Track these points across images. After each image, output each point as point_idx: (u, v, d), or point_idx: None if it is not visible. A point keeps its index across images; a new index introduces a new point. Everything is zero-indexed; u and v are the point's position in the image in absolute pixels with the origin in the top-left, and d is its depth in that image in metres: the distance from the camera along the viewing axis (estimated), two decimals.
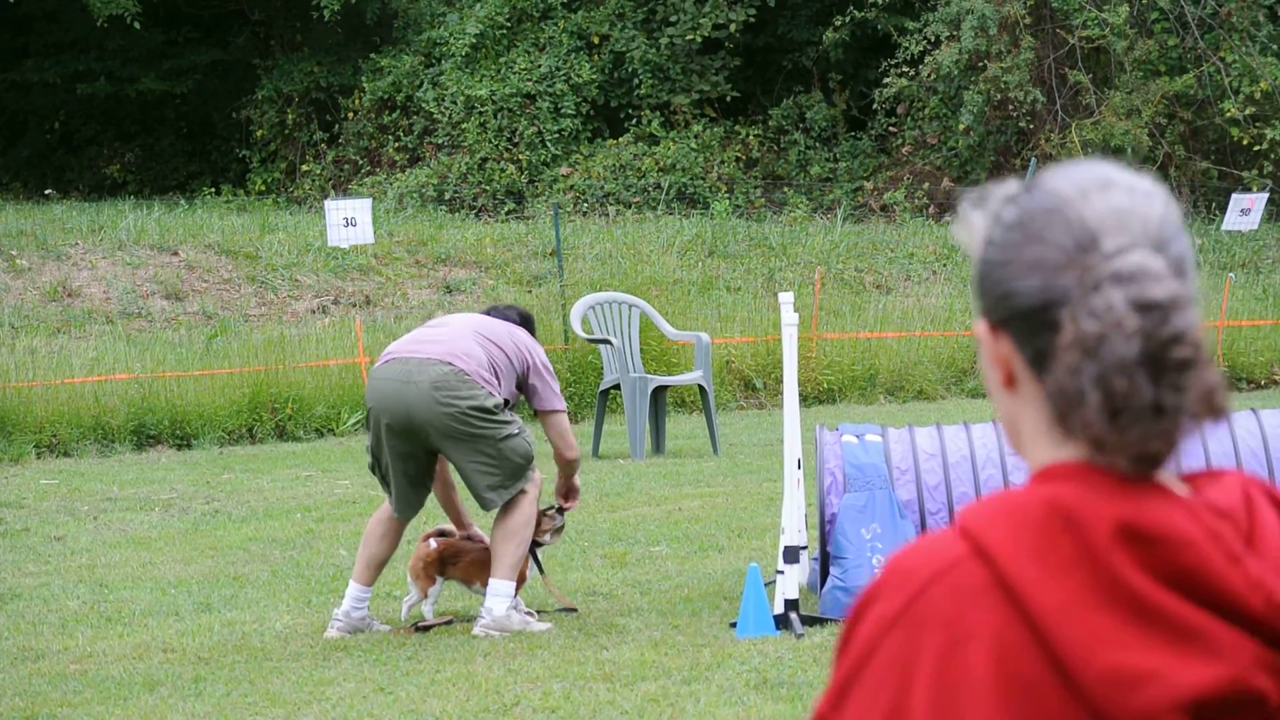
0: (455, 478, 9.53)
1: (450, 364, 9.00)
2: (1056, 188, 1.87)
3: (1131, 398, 1.78)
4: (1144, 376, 1.77)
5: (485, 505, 9.15)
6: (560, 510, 9.66)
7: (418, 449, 9.11)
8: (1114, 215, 1.83)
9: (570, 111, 29.92)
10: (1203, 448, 9.40)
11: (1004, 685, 1.77)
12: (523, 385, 9.33)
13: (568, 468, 9.50)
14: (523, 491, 9.10)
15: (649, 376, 15.94)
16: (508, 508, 9.10)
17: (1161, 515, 1.78)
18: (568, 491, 9.64)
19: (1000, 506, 1.83)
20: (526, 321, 9.66)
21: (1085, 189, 1.86)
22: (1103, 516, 1.79)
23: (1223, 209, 24.55)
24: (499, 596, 8.98)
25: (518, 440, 9.07)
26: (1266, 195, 24.25)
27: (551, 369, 9.47)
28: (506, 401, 9.15)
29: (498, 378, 9.15)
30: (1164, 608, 1.76)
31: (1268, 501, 1.86)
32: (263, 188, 31.32)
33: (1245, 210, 22.80)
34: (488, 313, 9.59)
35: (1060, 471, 1.83)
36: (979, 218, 1.94)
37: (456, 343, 9.14)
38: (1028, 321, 1.84)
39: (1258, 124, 28.38)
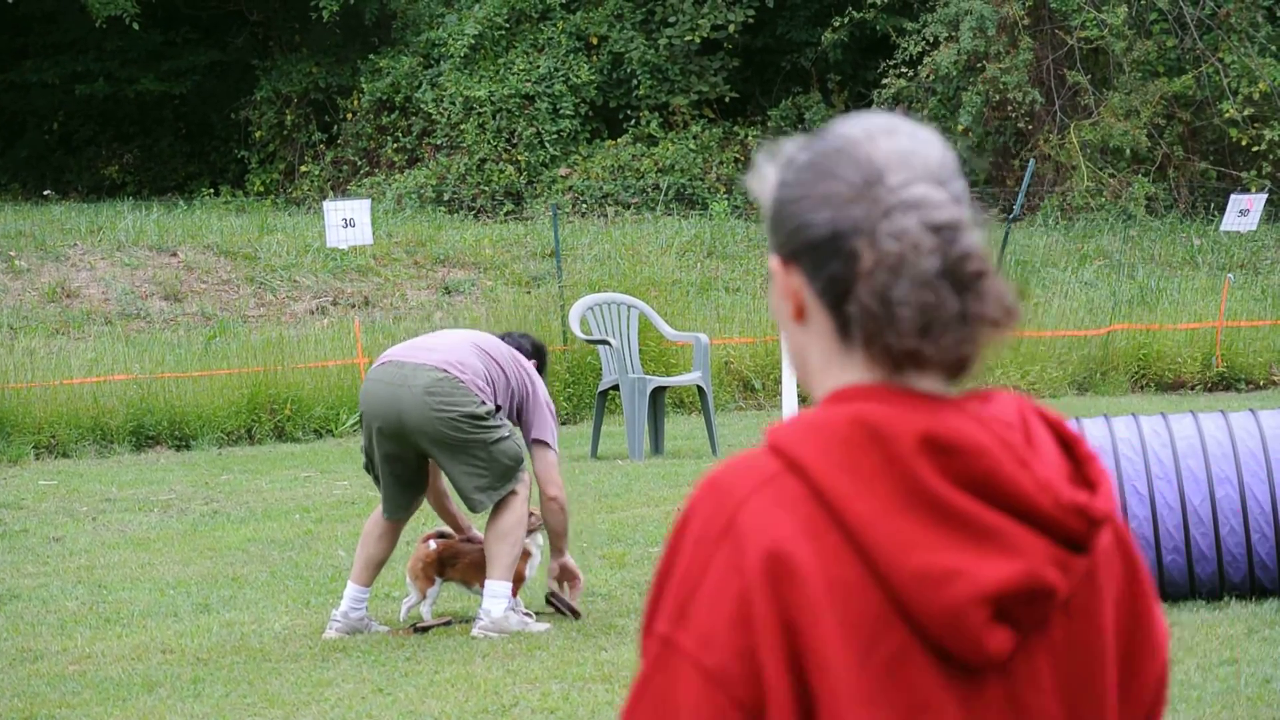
0: (446, 483, 9.53)
1: (445, 371, 8.98)
2: (845, 131, 2.02)
3: (940, 309, 1.93)
4: (947, 289, 1.93)
5: (474, 507, 9.14)
6: (552, 598, 9.39)
7: (408, 452, 9.10)
8: (898, 155, 1.98)
9: (569, 112, 29.91)
10: (1202, 449, 9.40)
11: (828, 586, 1.90)
12: (519, 412, 9.31)
13: (549, 511, 9.34)
14: (513, 493, 9.09)
15: (648, 377, 15.94)
16: (499, 509, 9.08)
17: (958, 426, 1.93)
18: (561, 572, 9.42)
19: (807, 425, 1.96)
20: (539, 352, 9.63)
21: (872, 133, 2.01)
22: (906, 429, 1.92)
23: (1221, 210, 24.55)
24: (496, 598, 8.98)
25: (508, 443, 9.05)
26: (1265, 196, 24.24)
27: (552, 406, 9.40)
28: (498, 407, 9.14)
29: (494, 391, 9.14)
30: (965, 511, 1.90)
31: (1038, 417, 2.02)
32: (261, 189, 31.32)
33: (1244, 211, 22.80)
34: (502, 337, 9.58)
35: (859, 392, 1.96)
36: (771, 168, 2.06)
37: (454, 352, 9.12)
38: (819, 252, 1.97)
39: (1256, 125, 28.37)
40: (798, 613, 1.91)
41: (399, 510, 9.23)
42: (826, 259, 1.97)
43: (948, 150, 2.03)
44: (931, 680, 1.92)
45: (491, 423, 8.99)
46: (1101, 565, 2.00)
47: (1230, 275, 22.65)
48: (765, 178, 2.07)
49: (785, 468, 1.95)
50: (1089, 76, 28.71)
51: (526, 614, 9.13)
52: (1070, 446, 2.01)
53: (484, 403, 8.98)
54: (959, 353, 1.95)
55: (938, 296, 1.93)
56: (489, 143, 29.52)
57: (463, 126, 29.58)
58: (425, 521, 10.80)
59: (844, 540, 1.91)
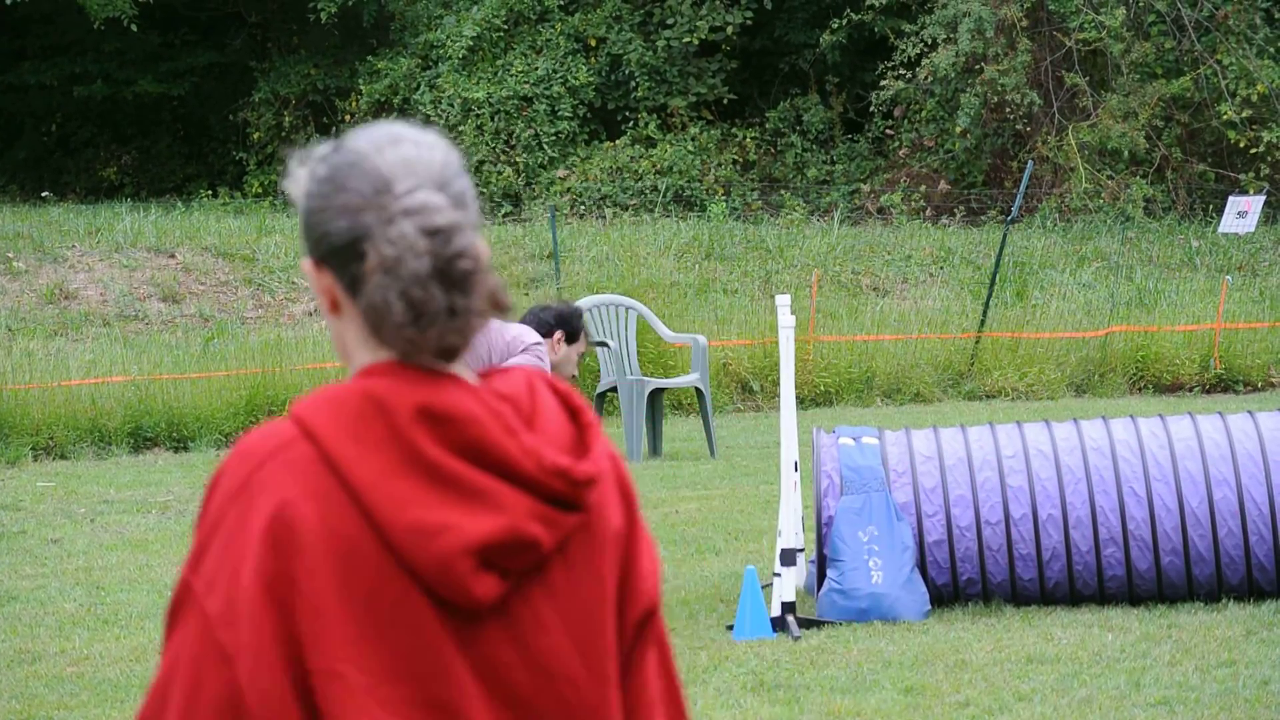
0: None
1: None
2: (356, 145, 2.29)
3: (428, 304, 2.18)
4: (436, 286, 2.18)
5: None
6: None
7: None
8: (403, 164, 2.24)
9: (567, 114, 29.92)
10: (1200, 451, 9.40)
11: (330, 538, 2.15)
12: None
13: None
14: None
15: (646, 379, 15.94)
16: None
17: (452, 399, 2.19)
18: None
19: (325, 397, 2.22)
20: (562, 321, 9.43)
21: (379, 144, 2.27)
22: (405, 402, 2.18)
23: (1219, 211, 24.56)
24: None
25: None
26: (1263, 198, 24.26)
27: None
28: None
29: None
30: (455, 473, 2.16)
31: (549, 390, 2.28)
32: (259, 190, 31.31)
33: (1242, 213, 22.81)
34: (524, 316, 9.45)
35: (374, 369, 2.22)
36: (303, 173, 2.35)
37: None
38: (341, 256, 2.23)
39: (1254, 126, 28.38)
40: (295, 566, 2.14)
41: None
42: (348, 262, 2.22)
43: (451, 152, 2.27)
44: (431, 622, 2.16)
45: None
46: (599, 517, 2.25)
47: (1228, 277, 22.65)
48: (298, 182, 2.34)
49: (301, 435, 2.20)
50: (1087, 78, 28.72)
51: None
52: (576, 415, 2.28)
53: None
54: (445, 341, 2.19)
55: (427, 293, 2.17)
56: (487, 144, 29.52)
57: (461, 128, 29.58)
58: None
59: (348, 500, 2.16)
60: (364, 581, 2.14)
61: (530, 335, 9.30)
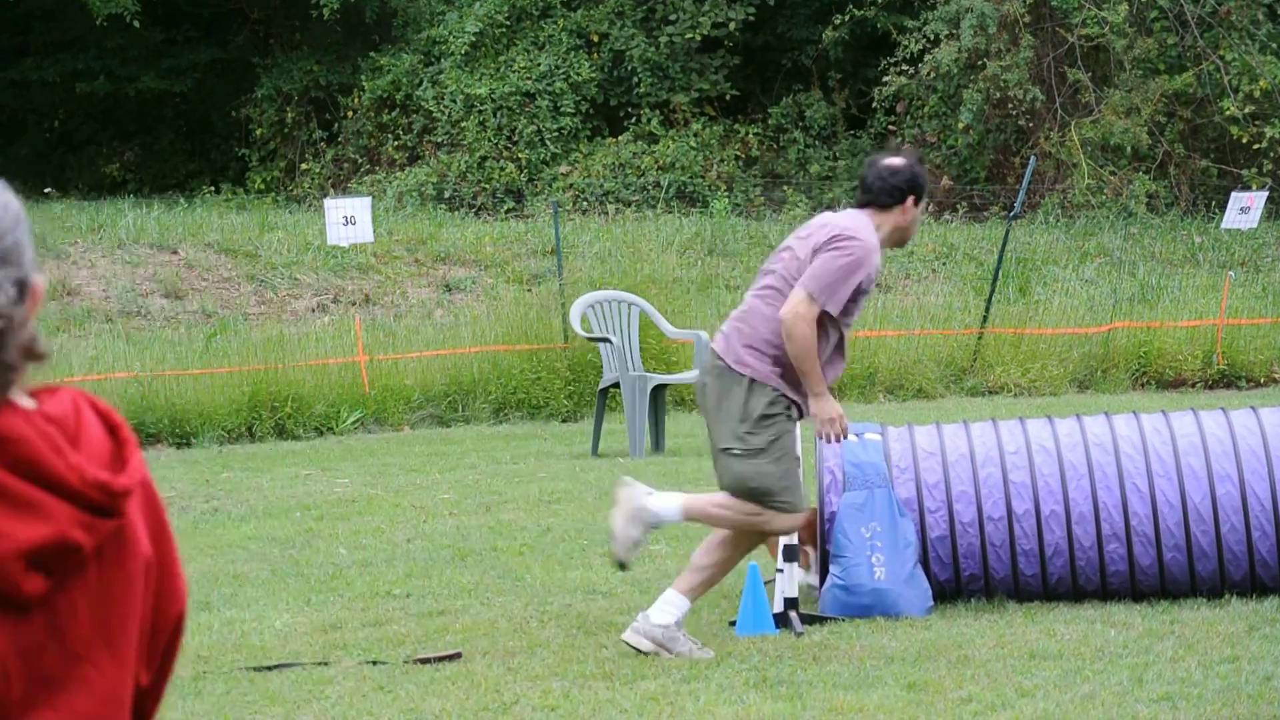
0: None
1: (721, 360, 8.37)
2: None
3: None
4: None
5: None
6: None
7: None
8: None
9: (569, 110, 29.91)
10: (1203, 446, 9.40)
11: None
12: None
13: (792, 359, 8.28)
14: (752, 526, 8.39)
15: (648, 375, 15.93)
16: (734, 534, 8.43)
17: (7, 422, 2.45)
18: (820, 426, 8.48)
19: None
20: (914, 183, 8.56)
21: None
22: None
23: (1222, 207, 24.55)
24: (668, 604, 8.40)
25: (739, 461, 8.36)
26: (1266, 194, 24.24)
27: (841, 268, 8.24)
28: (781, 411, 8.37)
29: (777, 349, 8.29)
30: (8, 487, 2.43)
31: (91, 409, 2.57)
32: (262, 186, 31.31)
33: (1245, 208, 22.79)
34: (860, 198, 8.67)
35: None
36: None
37: (743, 317, 8.42)
38: None
39: (1257, 122, 28.37)
40: None
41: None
42: None
43: (11, 205, 2.58)
44: None
45: (752, 431, 8.34)
46: (131, 523, 2.57)
47: (1231, 273, 22.64)
48: None
49: None
50: (1090, 74, 28.70)
51: (694, 641, 8.44)
52: (114, 432, 2.58)
53: (753, 383, 8.29)
54: None
55: None
56: (490, 140, 29.51)
57: (463, 124, 29.58)
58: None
59: None
60: None
61: (844, 230, 8.37)
